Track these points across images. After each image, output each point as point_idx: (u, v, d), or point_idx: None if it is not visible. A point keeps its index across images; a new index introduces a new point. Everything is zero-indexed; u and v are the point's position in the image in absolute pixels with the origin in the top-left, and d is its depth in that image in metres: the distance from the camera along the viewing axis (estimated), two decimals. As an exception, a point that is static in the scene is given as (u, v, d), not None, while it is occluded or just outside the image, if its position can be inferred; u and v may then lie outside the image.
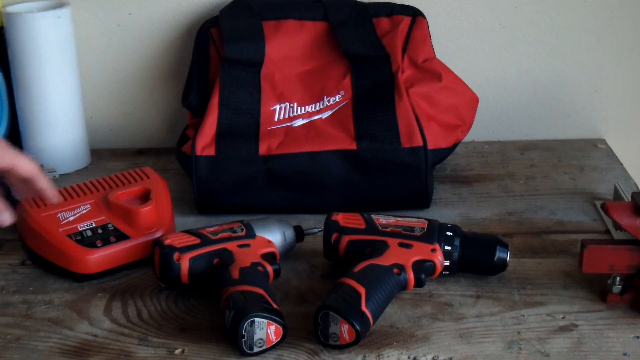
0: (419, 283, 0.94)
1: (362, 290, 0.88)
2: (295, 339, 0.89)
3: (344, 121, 1.16)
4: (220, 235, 0.99)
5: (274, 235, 1.02)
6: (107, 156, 1.38)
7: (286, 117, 1.18)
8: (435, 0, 1.34)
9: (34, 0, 1.29)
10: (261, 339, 0.87)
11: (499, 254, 0.98)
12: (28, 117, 1.29)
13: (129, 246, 1.03)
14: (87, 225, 1.04)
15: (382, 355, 0.88)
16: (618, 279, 0.94)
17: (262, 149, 1.14)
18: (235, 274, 0.92)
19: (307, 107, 1.19)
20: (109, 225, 1.05)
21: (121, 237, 1.04)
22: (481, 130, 1.39)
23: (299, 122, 1.17)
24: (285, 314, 0.89)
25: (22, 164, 0.95)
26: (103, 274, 1.02)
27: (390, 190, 1.15)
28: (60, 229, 1.03)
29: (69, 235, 1.03)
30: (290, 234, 1.04)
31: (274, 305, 0.88)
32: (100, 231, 1.04)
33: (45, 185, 0.98)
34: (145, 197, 1.08)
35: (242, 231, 1.00)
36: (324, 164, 1.14)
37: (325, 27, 1.25)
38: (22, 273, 1.05)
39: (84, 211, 1.06)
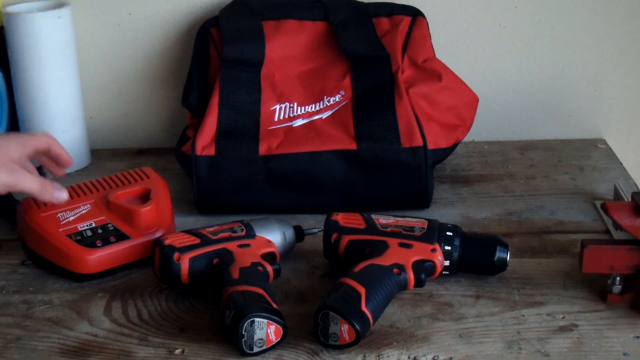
0: (419, 283, 0.94)
1: (362, 290, 0.88)
2: (295, 339, 0.89)
3: (344, 121, 1.16)
4: (220, 235, 0.99)
5: (274, 235, 1.02)
6: (107, 156, 1.38)
7: (286, 117, 1.18)
8: (435, 0, 1.34)
9: (34, 0, 1.29)
10: (261, 339, 0.87)
11: (499, 254, 0.98)
12: (28, 117, 1.29)
13: (129, 246, 1.03)
14: (87, 225, 1.04)
15: (382, 355, 0.88)
16: (618, 279, 0.94)
17: (262, 149, 1.14)
18: (235, 274, 0.92)
19: (307, 107, 1.19)
20: (109, 225, 1.05)
21: (121, 237, 1.04)
22: (481, 130, 1.39)
23: (299, 122, 1.17)
24: (285, 314, 0.89)
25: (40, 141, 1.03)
26: (103, 274, 1.02)
27: (390, 190, 1.15)
28: (60, 229, 1.03)
29: (69, 235, 1.03)
30: (290, 234, 1.04)
31: (274, 305, 0.88)
32: (100, 231, 1.04)
33: (60, 151, 1.05)
34: (145, 197, 1.08)
35: (242, 231, 1.00)
36: (324, 164, 1.14)
37: (325, 27, 1.25)
38: (22, 273, 1.05)
39: (84, 211, 1.06)
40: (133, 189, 1.09)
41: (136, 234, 1.04)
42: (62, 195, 1.02)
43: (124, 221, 1.05)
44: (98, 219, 1.05)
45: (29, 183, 0.99)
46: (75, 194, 1.08)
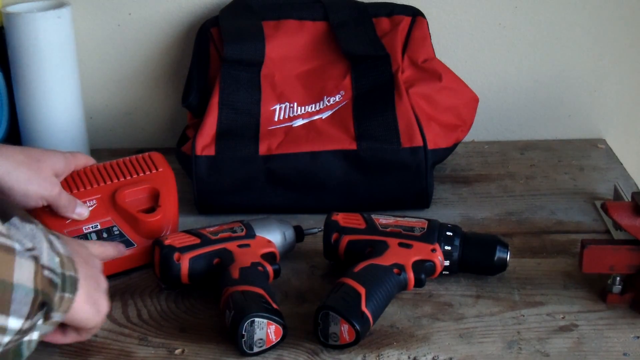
0: (419, 283, 0.94)
1: (362, 290, 0.88)
2: (295, 339, 0.89)
3: (344, 121, 1.16)
4: (220, 235, 0.99)
5: (274, 235, 1.02)
6: (107, 156, 1.36)
7: (286, 117, 1.18)
8: (435, 0, 1.34)
9: (34, 0, 1.29)
10: (261, 339, 0.87)
11: (499, 254, 0.98)
12: (28, 117, 1.29)
13: (133, 253, 1.03)
14: (92, 227, 1.02)
15: (382, 355, 0.88)
16: (618, 279, 0.94)
17: (262, 149, 1.14)
18: (235, 274, 0.92)
19: (307, 107, 1.19)
20: (114, 229, 1.03)
21: (126, 243, 1.02)
22: (481, 130, 1.39)
23: (299, 122, 1.17)
24: (285, 314, 0.89)
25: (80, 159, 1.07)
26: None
27: (390, 190, 1.15)
28: (65, 230, 1.01)
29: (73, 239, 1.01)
30: (290, 234, 1.04)
31: (274, 305, 0.88)
32: (105, 235, 1.02)
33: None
34: (153, 198, 1.06)
35: (242, 231, 1.00)
36: (324, 164, 1.14)
37: (325, 27, 1.25)
38: (22, 273, 1.04)
39: (90, 208, 1.03)
40: (141, 188, 1.06)
41: (142, 241, 1.03)
42: (84, 212, 1.03)
43: (130, 226, 1.03)
44: (104, 220, 1.03)
45: (62, 198, 1.00)
46: (82, 184, 1.04)
